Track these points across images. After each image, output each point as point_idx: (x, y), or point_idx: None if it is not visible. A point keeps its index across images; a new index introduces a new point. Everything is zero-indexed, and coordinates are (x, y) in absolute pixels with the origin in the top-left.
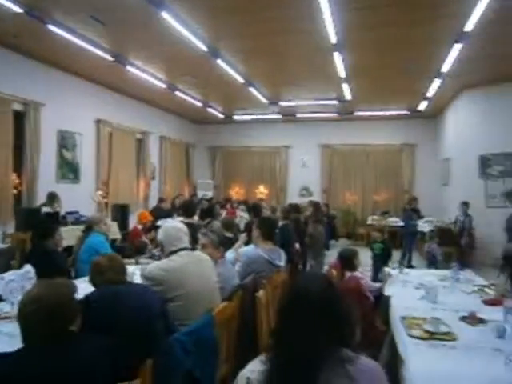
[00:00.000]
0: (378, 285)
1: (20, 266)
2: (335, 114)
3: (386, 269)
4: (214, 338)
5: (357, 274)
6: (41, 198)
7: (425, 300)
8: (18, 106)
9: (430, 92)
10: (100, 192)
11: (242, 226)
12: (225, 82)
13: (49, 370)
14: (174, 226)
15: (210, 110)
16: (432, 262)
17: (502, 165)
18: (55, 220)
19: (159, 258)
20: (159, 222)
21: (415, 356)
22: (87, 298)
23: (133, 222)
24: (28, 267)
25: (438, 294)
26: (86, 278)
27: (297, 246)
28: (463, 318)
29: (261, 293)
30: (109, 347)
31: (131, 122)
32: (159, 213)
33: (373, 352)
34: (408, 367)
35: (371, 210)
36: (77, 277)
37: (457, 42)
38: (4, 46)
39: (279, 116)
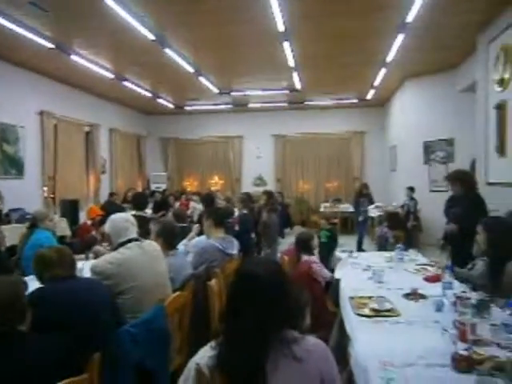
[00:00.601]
0: (329, 274)
1: None
2: (287, 104)
3: (337, 253)
4: (165, 329)
5: (313, 258)
6: None
7: (372, 280)
8: None
9: (377, 81)
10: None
11: (195, 218)
12: (174, 71)
13: None
14: (120, 217)
15: (160, 100)
16: (383, 246)
17: (445, 150)
18: None
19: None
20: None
21: (360, 333)
22: (35, 294)
23: (84, 218)
24: None
25: (384, 274)
26: (33, 276)
27: (252, 234)
28: (406, 295)
29: (213, 281)
30: (56, 346)
31: (78, 113)
32: (111, 207)
33: (324, 334)
34: (353, 344)
35: (324, 197)
36: (24, 275)
37: (399, 32)
38: None
39: (231, 106)
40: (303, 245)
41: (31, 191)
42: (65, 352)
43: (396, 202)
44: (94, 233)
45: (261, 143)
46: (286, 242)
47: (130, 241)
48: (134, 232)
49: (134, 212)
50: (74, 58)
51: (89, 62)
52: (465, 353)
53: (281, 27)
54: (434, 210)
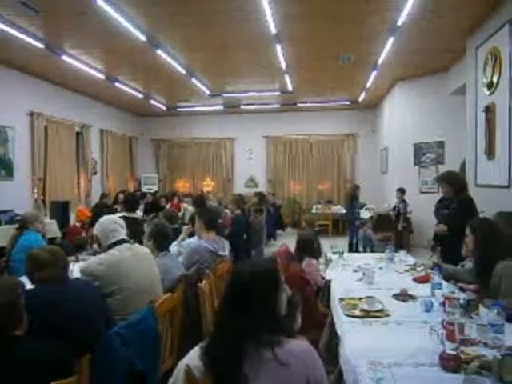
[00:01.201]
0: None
1: None
2: (279, 106)
3: (328, 254)
4: (155, 330)
5: (314, 262)
6: None
7: (362, 281)
8: None
9: (368, 83)
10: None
11: (187, 219)
12: (166, 73)
13: None
14: (108, 218)
15: (152, 102)
16: (366, 246)
17: (435, 152)
18: None
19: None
20: None
21: (350, 333)
22: (27, 297)
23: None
24: None
25: (374, 275)
26: (22, 278)
27: (245, 236)
28: (396, 296)
29: (204, 283)
30: (47, 350)
31: (69, 114)
32: (101, 209)
33: (315, 335)
34: (343, 345)
35: (316, 198)
36: None
37: (390, 35)
38: None
39: (223, 108)
40: (305, 246)
41: (21, 193)
42: (56, 355)
43: (387, 203)
44: (83, 234)
45: (253, 145)
46: (276, 245)
47: (119, 242)
48: (122, 233)
49: (124, 213)
50: (64, 58)
51: (80, 62)
52: (453, 352)
53: (273, 29)
54: (424, 212)
